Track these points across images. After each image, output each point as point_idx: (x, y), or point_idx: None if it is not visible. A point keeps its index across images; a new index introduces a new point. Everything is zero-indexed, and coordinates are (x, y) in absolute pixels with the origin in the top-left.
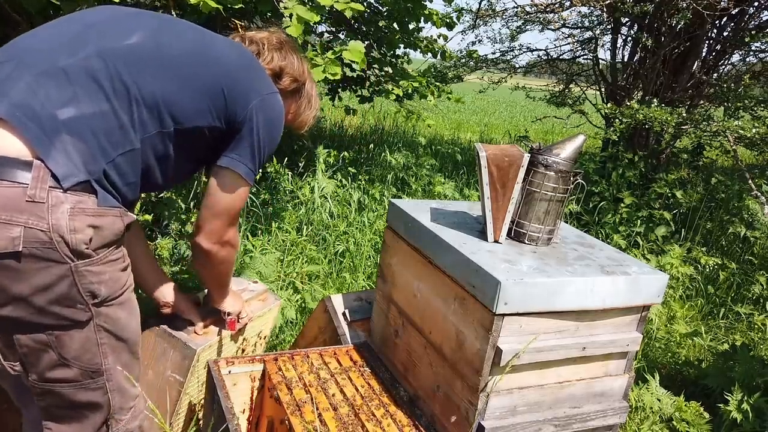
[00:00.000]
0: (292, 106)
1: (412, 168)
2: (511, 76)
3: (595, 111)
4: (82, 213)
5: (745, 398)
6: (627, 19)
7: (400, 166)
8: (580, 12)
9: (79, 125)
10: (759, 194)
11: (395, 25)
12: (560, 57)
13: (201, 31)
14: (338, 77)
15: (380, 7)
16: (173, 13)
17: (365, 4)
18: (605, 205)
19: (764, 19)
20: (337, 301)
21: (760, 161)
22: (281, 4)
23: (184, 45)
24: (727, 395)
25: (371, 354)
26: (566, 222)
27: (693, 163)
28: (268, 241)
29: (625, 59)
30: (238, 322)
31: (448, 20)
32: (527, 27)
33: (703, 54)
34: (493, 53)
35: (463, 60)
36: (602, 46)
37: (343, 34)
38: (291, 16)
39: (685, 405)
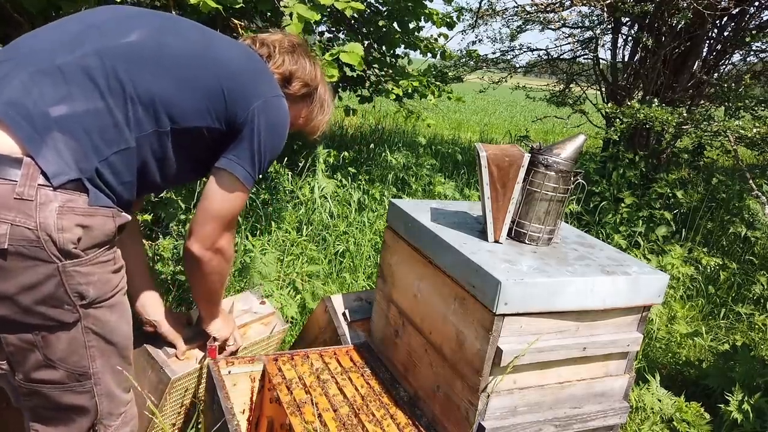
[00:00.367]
0: (303, 110)
1: (412, 168)
2: (511, 76)
3: (596, 111)
4: (71, 212)
5: (746, 398)
6: (627, 19)
7: (400, 166)
8: (580, 12)
9: (71, 123)
10: (759, 194)
11: (395, 24)
12: (560, 57)
13: (204, 31)
14: (335, 79)
15: (380, 7)
16: (173, 13)
17: (365, 3)
18: (606, 205)
19: (765, 18)
20: (337, 301)
21: (761, 161)
22: (281, 3)
23: (186, 44)
24: (728, 395)
25: (371, 354)
26: (566, 222)
27: (694, 163)
28: (268, 241)
29: (626, 59)
30: (224, 350)
31: (448, 20)
32: (527, 27)
33: (704, 54)
34: (494, 53)
35: (463, 60)
36: (603, 45)
37: (343, 33)
38: (291, 15)
39: (686, 405)
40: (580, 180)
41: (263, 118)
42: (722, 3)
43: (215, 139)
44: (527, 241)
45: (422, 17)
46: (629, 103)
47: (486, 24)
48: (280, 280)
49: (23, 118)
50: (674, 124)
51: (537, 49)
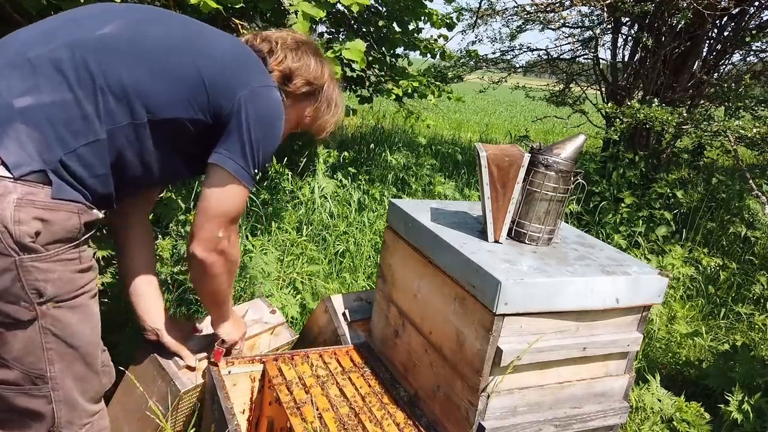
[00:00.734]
0: (307, 109)
1: (412, 168)
2: (510, 75)
3: (596, 111)
4: (30, 205)
5: (746, 398)
6: (627, 19)
7: (400, 166)
8: (580, 11)
9: (35, 114)
10: (759, 194)
11: (395, 25)
12: (560, 57)
13: (190, 23)
14: (337, 76)
15: (380, 8)
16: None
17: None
18: (606, 205)
19: (765, 18)
20: (337, 301)
21: (761, 161)
22: (287, 1)
23: (166, 35)
24: (728, 395)
25: (371, 354)
26: (566, 222)
27: (694, 163)
28: (268, 241)
29: (626, 59)
30: (230, 353)
31: (448, 20)
32: (527, 26)
33: (704, 54)
34: (493, 53)
35: (463, 60)
36: (603, 45)
37: (342, 34)
38: (297, 12)
39: (686, 405)
40: (580, 180)
41: (251, 108)
42: (722, 3)
43: (202, 131)
44: (527, 241)
45: (422, 17)
46: (629, 103)
47: (486, 24)
48: (280, 280)
49: None
50: (674, 124)
51: (537, 49)
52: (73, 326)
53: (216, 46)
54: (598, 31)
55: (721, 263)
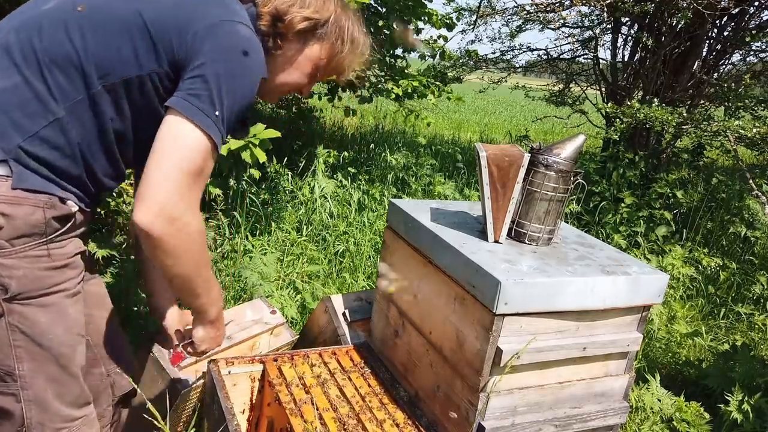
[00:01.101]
0: (317, 50)
1: (412, 168)
2: (510, 75)
3: (596, 111)
4: None
5: (746, 398)
6: (627, 19)
7: (400, 166)
8: (580, 11)
9: None
10: (759, 194)
11: (395, 25)
12: (560, 57)
13: None
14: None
15: (380, 8)
16: None
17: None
18: (606, 205)
19: (765, 18)
20: (337, 301)
21: (761, 161)
22: None
23: None
24: (728, 395)
25: (371, 354)
26: (566, 222)
27: (693, 162)
28: (268, 241)
29: (626, 59)
30: (186, 357)
31: (447, 21)
32: (527, 26)
33: (704, 54)
34: (493, 53)
35: (462, 60)
36: (602, 45)
37: None
38: None
39: (686, 405)
40: (580, 180)
41: (208, 44)
42: (722, 3)
43: (169, 88)
44: (527, 241)
45: (422, 17)
46: (629, 103)
47: (486, 23)
48: (280, 280)
49: None
50: (674, 124)
51: (537, 49)
52: (41, 325)
53: None
54: (598, 31)
55: (721, 263)
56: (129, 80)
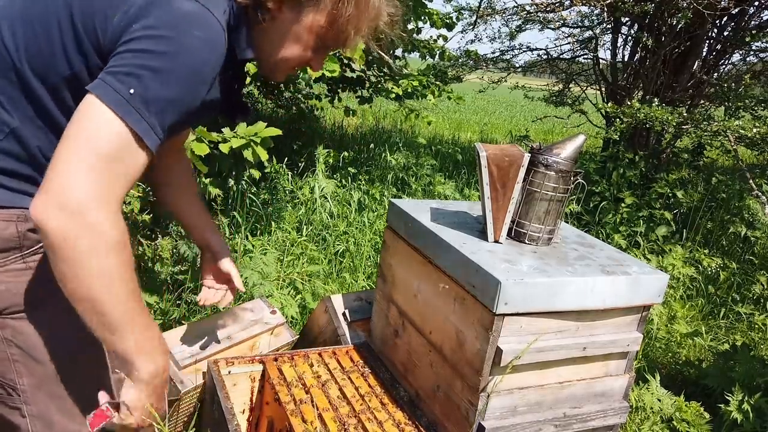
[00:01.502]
0: (310, 15)
1: (412, 168)
2: (510, 75)
3: (596, 111)
4: None
5: (746, 398)
6: (627, 19)
7: (400, 166)
8: (580, 11)
9: None
10: (759, 194)
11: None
12: (560, 56)
13: None
14: (336, 74)
15: None
16: None
17: None
18: (606, 204)
19: (765, 18)
20: (337, 301)
21: (761, 161)
22: None
23: None
24: (728, 395)
25: (371, 354)
26: (566, 222)
27: (694, 162)
28: (268, 241)
29: (626, 59)
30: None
31: (447, 20)
32: (527, 26)
33: (704, 54)
34: (493, 52)
35: (462, 60)
36: (602, 45)
37: None
38: None
39: (686, 405)
40: (580, 180)
41: (144, 21)
42: (722, 3)
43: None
44: (527, 241)
45: (422, 17)
46: (629, 103)
47: (485, 23)
48: (280, 280)
49: None
50: (674, 124)
51: (536, 49)
52: (33, 338)
53: None
54: (597, 31)
55: (721, 263)
56: (67, 79)
